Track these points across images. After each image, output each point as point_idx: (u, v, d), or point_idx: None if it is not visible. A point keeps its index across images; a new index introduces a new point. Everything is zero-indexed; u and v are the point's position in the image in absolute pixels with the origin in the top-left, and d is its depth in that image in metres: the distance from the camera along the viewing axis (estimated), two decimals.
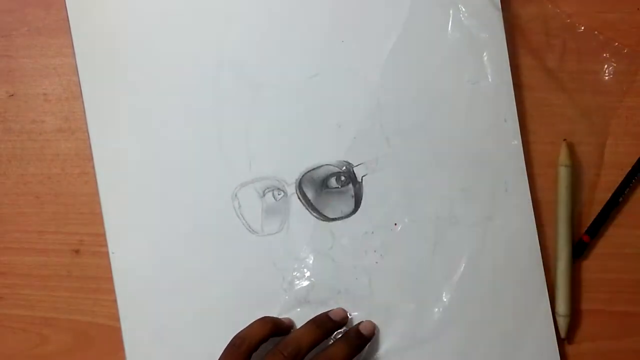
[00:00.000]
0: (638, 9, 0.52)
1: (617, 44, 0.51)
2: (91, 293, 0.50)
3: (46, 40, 0.51)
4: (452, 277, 0.49)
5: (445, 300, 0.47)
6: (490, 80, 0.50)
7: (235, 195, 0.50)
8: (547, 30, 0.52)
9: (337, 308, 0.48)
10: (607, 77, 0.52)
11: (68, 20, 0.50)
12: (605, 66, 0.52)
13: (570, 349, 0.51)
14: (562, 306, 0.50)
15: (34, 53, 0.51)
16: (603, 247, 0.51)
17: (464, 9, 0.50)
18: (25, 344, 0.50)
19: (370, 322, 0.48)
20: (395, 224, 0.49)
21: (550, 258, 0.51)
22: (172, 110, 0.50)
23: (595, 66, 0.52)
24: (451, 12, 0.50)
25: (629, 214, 0.52)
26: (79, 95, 0.50)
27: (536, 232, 0.50)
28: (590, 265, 0.51)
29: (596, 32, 0.51)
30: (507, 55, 0.50)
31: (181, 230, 0.49)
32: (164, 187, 0.50)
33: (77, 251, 0.51)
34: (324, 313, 0.48)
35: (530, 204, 0.50)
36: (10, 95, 0.51)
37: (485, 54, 0.50)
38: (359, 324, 0.48)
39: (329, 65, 0.50)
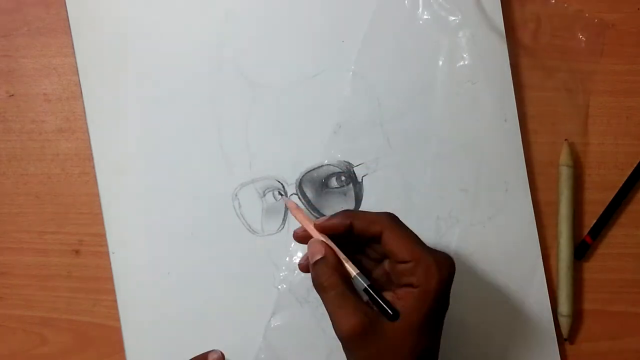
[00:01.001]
0: (638, 9, 0.52)
1: (587, 15, 0.51)
2: (91, 293, 0.50)
3: (46, 40, 0.51)
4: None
5: None
6: (490, 79, 0.50)
7: (235, 195, 0.49)
8: (549, 29, 0.52)
9: (215, 350, 0.48)
10: (581, 46, 0.52)
11: (68, 20, 0.50)
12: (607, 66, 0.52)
13: (571, 349, 0.51)
14: (564, 307, 0.49)
15: (34, 53, 0.51)
16: (604, 247, 0.51)
17: (458, 8, 0.50)
18: (25, 344, 0.50)
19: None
20: None
21: (551, 258, 0.51)
22: (172, 110, 0.50)
23: (596, 65, 0.52)
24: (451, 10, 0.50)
25: (629, 214, 0.52)
26: (79, 95, 0.50)
27: (537, 232, 0.50)
28: (592, 266, 0.51)
29: (566, 5, 0.51)
30: (508, 55, 0.50)
31: (181, 230, 0.49)
32: (164, 187, 0.49)
33: (77, 251, 0.50)
34: (201, 355, 0.48)
35: (531, 203, 0.50)
36: (10, 95, 0.51)
37: (486, 52, 0.50)
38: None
39: (329, 65, 0.50)
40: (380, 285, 0.41)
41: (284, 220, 0.49)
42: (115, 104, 0.50)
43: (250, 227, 0.49)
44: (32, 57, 0.51)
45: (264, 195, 0.50)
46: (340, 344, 0.40)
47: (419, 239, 0.41)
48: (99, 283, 0.50)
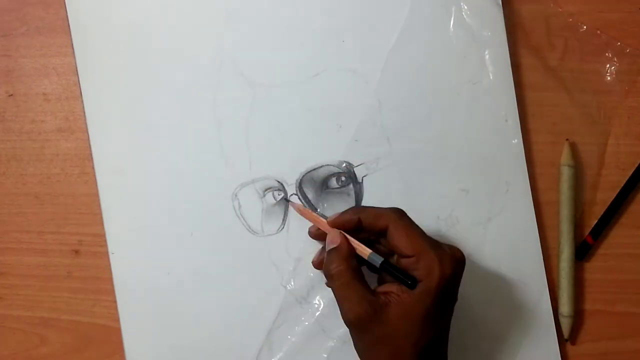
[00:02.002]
0: (639, 8, 0.52)
1: (619, 43, 0.50)
2: (91, 293, 0.50)
3: (45, 39, 0.51)
4: None
5: None
6: (491, 79, 0.50)
7: (235, 195, 0.49)
8: (549, 29, 0.52)
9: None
10: (608, 77, 0.52)
11: (67, 20, 0.49)
12: (607, 66, 0.52)
13: (572, 350, 0.50)
14: (565, 307, 0.49)
15: (33, 53, 0.51)
16: (605, 247, 0.51)
17: (465, 7, 0.50)
18: (25, 344, 0.50)
19: None
20: None
21: (552, 258, 0.51)
22: (172, 110, 0.50)
23: (597, 65, 0.52)
24: (453, 9, 0.50)
25: (631, 214, 0.52)
26: (78, 95, 0.50)
27: (537, 233, 0.50)
28: (593, 266, 0.51)
29: (598, 32, 0.50)
30: (508, 54, 0.50)
31: (181, 230, 0.49)
32: (164, 187, 0.49)
33: (76, 251, 0.50)
34: None
35: (532, 204, 0.50)
36: (9, 95, 0.51)
37: (487, 52, 0.50)
38: None
39: (329, 65, 0.50)
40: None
41: (284, 220, 0.49)
42: (114, 104, 0.50)
43: (250, 228, 0.49)
44: (31, 56, 0.51)
45: (264, 196, 0.49)
46: (339, 344, 0.40)
47: (424, 234, 0.42)
48: (98, 283, 0.50)
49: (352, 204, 0.49)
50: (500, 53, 0.50)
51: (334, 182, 0.50)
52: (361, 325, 0.41)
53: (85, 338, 0.50)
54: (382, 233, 0.42)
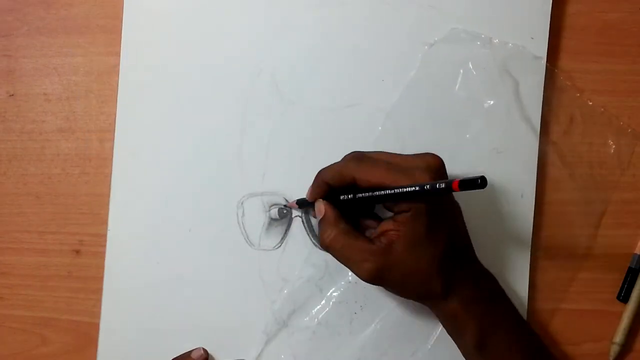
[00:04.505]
0: (639, 8, 0.52)
1: (622, 123, 0.50)
2: (91, 293, 0.50)
3: (46, 40, 0.51)
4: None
5: None
6: (515, 155, 0.49)
7: (242, 203, 0.49)
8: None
9: (198, 348, 0.48)
10: (609, 152, 0.51)
11: (68, 20, 0.50)
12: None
13: (572, 350, 0.50)
14: (619, 336, 0.50)
15: (34, 53, 0.51)
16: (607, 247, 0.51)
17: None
18: (25, 344, 0.50)
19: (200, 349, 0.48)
20: None
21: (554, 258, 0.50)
22: (202, 106, 0.50)
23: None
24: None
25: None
26: (79, 95, 0.50)
27: None
28: (594, 266, 0.51)
29: (602, 109, 0.50)
30: (538, 144, 0.49)
31: (181, 230, 0.49)
32: (169, 186, 0.49)
33: (77, 251, 0.50)
34: (185, 353, 0.48)
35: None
36: (10, 95, 0.51)
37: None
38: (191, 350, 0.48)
39: (363, 100, 0.50)
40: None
41: (283, 239, 0.49)
42: (148, 101, 0.50)
43: (247, 238, 0.49)
44: (32, 57, 0.51)
45: (269, 210, 0.49)
46: None
47: (390, 160, 0.42)
48: (99, 283, 0.50)
49: None
50: (529, 141, 0.49)
51: None
52: (377, 276, 0.41)
53: (85, 338, 0.50)
54: (355, 186, 0.42)
